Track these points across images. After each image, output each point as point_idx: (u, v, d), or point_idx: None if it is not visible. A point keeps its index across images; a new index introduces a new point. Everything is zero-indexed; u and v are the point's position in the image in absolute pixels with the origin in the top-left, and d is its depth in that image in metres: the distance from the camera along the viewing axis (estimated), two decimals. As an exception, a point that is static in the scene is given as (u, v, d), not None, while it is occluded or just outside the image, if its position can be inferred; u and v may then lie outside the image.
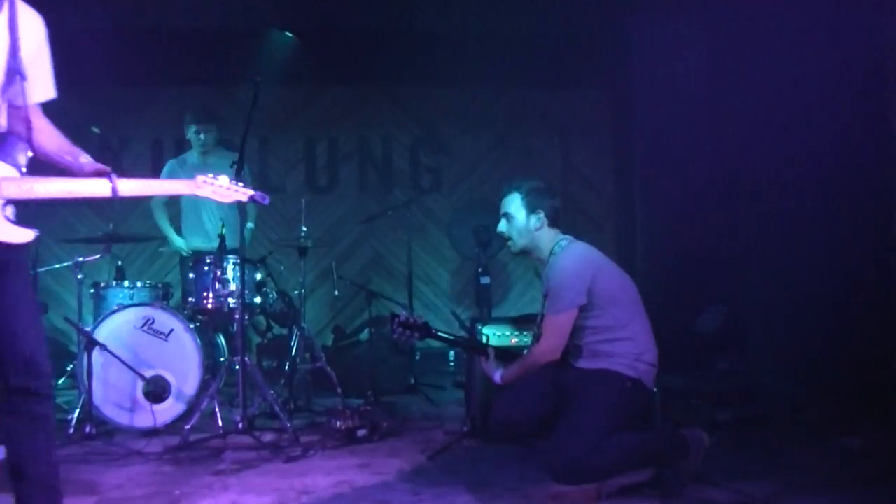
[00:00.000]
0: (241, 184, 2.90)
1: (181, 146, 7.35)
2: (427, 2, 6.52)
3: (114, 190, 2.55)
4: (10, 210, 2.48)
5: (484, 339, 4.46)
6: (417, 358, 6.29)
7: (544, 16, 6.69)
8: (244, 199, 2.88)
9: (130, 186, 2.62)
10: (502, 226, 3.71)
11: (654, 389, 3.53)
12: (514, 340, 4.49)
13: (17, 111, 2.55)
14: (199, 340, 4.76)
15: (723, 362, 5.16)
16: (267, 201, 2.93)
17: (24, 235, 2.51)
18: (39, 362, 2.52)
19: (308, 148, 7.85)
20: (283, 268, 5.75)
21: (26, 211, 2.56)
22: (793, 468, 3.69)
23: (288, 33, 6.67)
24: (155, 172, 6.93)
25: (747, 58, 5.82)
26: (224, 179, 2.83)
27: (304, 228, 5.25)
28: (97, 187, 2.57)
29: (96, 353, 4.46)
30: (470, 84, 7.63)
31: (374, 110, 7.86)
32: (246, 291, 4.71)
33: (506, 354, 3.72)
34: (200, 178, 2.81)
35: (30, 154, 2.55)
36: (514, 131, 8.00)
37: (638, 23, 6.77)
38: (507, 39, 7.01)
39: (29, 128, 2.53)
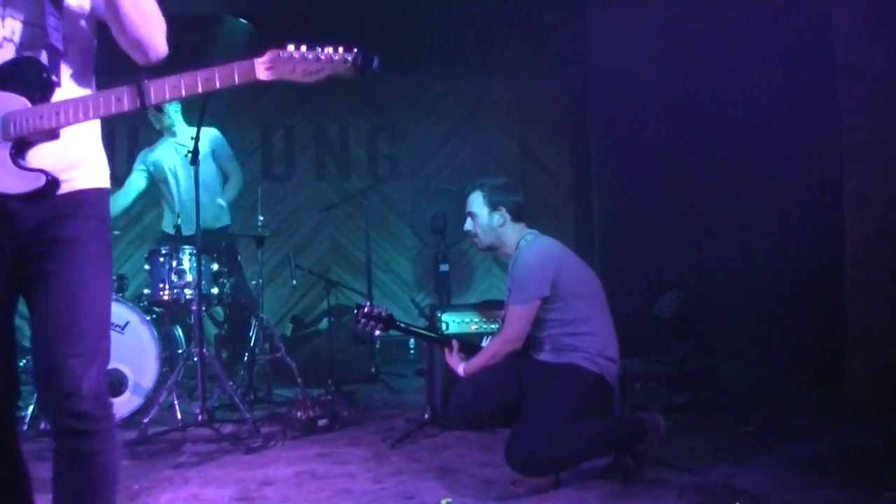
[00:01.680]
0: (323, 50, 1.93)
1: (134, 137, 7.26)
2: (384, -11, 6.49)
3: (144, 96, 1.90)
4: (26, 152, 1.94)
5: (443, 326, 4.48)
6: (378, 347, 6.28)
7: (502, 3, 6.70)
8: (344, 67, 1.91)
9: (162, 90, 1.92)
10: (468, 224, 3.73)
11: (615, 385, 3.57)
12: (474, 327, 4.51)
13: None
14: (155, 332, 4.70)
15: (679, 346, 5.23)
16: (376, 62, 1.95)
17: (30, 182, 1.92)
18: (73, 369, 1.89)
19: (264, 136, 7.77)
20: (240, 258, 5.70)
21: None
22: (748, 449, 3.77)
23: (242, 20, 6.58)
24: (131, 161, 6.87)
25: (702, 45, 5.89)
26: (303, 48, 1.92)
27: (261, 218, 5.20)
28: (121, 99, 1.93)
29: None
30: (427, 72, 7.62)
31: (330, 98, 7.80)
32: (203, 282, 4.66)
33: (469, 346, 3.73)
34: (274, 52, 1.94)
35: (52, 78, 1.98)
36: (471, 119, 8.01)
37: (594, 10, 6.81)
38: (464, 27, 7.00)
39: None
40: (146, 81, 1.91)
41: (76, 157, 2.04)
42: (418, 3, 6.67)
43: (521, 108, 8.06)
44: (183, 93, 1.90)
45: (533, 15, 6.93)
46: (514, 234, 3.66)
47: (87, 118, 1.94)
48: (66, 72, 2.02)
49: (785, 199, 5.18)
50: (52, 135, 1.94)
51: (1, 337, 2.02)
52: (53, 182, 1.93)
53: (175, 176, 5.52)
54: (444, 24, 6.93)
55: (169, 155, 5.51)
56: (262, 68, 1.89)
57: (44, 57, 1.96)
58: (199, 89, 1.89)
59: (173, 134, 5.52)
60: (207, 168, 5.41)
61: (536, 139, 8.08)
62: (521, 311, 3.47)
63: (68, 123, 1.93)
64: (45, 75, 1.95)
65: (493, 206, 3.65)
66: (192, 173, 4.50)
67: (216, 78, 1.89)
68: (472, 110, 8.01)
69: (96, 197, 2.08)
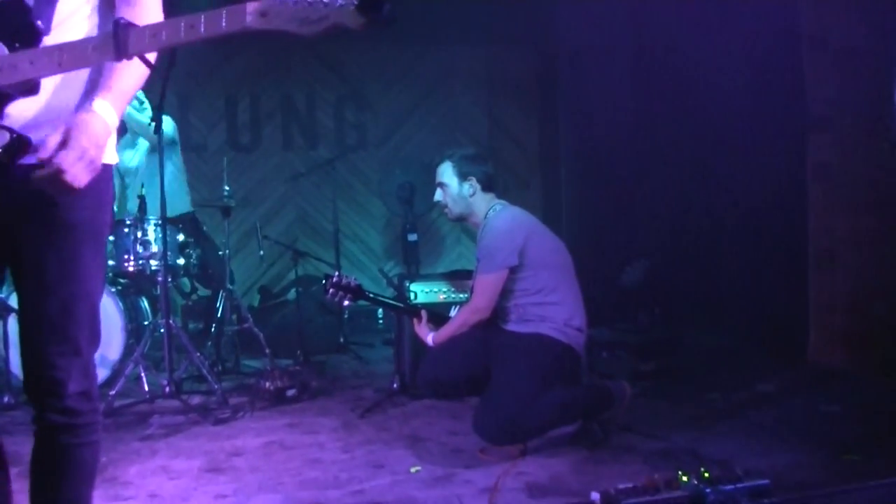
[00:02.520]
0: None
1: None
2: (349, -45, 6.38)
3: (121, 47, 1.58)
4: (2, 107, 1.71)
5: (412, 296, 4.49)
6: (346, 317, 6.27)
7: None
8: (349, 13, 1.54)
9: (142, 39, 1.59)
10: (438, 195, 3.73)
11: (583, 355, 3.61)
12: (443, 297, 4.53)
13: None
14: (121, 304, 4.66)
15: (645, 315, 5.29)
16: (387, 7, 1.59)
17: None
18: (59, 370, 1.79)
19: (229, 105, 7.66)
20: (205, 228, 5.64)
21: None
22: (713, 415, 3.83)
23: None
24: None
25: (671, 15, 5.89)
26: None
27: (227, 188, 5.14)
28: (97, 48, 1.61)
29: (12, 321, 4.31)
30: (395, 40, 7.54)
31: (297, 67, 7.71)
32: (169, 253, 4.61)
33: (438, 317, 3.74)
34: None
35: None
36: (439, 88, 7.97)
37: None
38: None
39: None
40: (125, 27, 1.59)
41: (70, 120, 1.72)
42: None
43: (490, 78, 8.03)
44: (164, 41, 1.60)
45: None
46: (483, 204, 3.66)
47: (62, 69, 1.65)
48: (60, 17, 1.76)
49: (751, 170, 5.23)
50: (30, 88, 1.70)
51: None
52: (20, 141, 1.70)
53: (137, 169, 5.41)
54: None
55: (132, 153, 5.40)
56: (255, 15, 1.54)
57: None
58: (182, 37, 1.58)
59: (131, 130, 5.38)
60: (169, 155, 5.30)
61: (505, 109, 8.06)
62: (489, 280, 3.48)
63: (41, 74, 1.66)
64: (28, 19, 1.70)
65: (464, 177, 3.66)
66: (156, 143, 4.43)
67: (201, 24, 1.57)
68: (440, 79, 7.96)
69: (98, 175, 1.78)
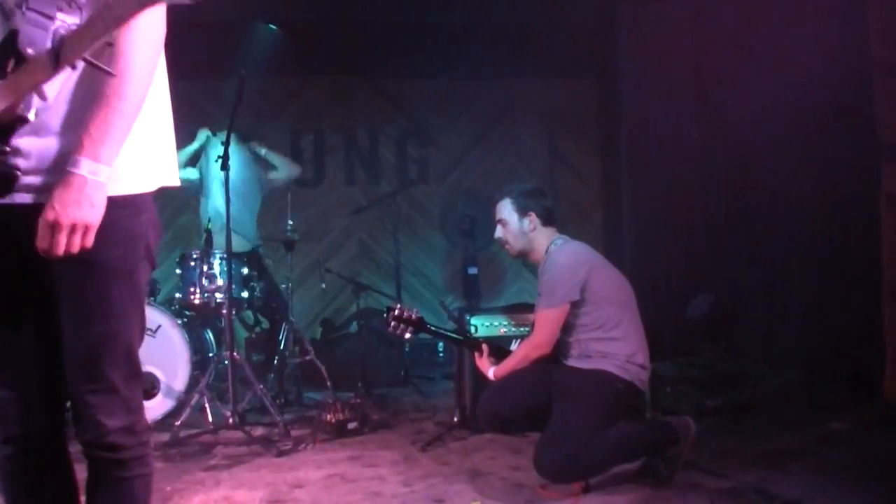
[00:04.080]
0: None
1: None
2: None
3: (59, 57, 1.46)
4: (5, 141, 1.66)
5: (472, 330, 4.47)
6: (407, 350, 6.28)
7: (531, 5, 6.67)
8: None
9: (80, 40, 1.44)
10: (498, 232, 3.73)
11: (646, 391, 3.54)
12: (503, 330, 4.50)
13: None
14: (186, 336, 4.74)
15: (711, 349, 5.17)
16: None
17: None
18: (96, 409, 1.77)
19: (294, 141, 7.81)
20: (269, 262, 5.73)
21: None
22: (782, 453, 3.71)
23: (272, 26, 6.62)
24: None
25: (734, 44, 5.82)
26: None
27: (291, 222, 5.23)
28: (35, 67, 1.51)
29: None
30: (456, 74, 7.62)
31: (359, 102, 7.83)
32: (233, 286, 4.69)
33: (499, 350, 3.72)
34: None
35: None
36: (500, 121, 8.00)
37: (624, 10, 6.76)
38: (493, 29, 6.99)
39: None
40: (61, 36, 1.49)
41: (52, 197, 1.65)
42: (447, 5, 6.67)
43: (551, 111, 8.03)
44: (100, 37, 1.44)
45: (563, 16, 6.90)
46: (544, 239, 3.64)
47: (10, 98, 1.56)
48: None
49: (820, 200, 5.10)
50: (21, 120, 1.61)
51: (32, 346, 1.83)
52: (6, 176, 1.64)
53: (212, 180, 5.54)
54: (472, 26, 6.92)
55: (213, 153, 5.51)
56: None
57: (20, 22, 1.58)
58: (108, 27, 1.42)
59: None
60: (242, 178, 5.44)
61: (566, 142, 8.04)
62: (550, 315, 3.45)
63: (8, 105, 1.56)
64: (13, 45, 1.57)
65: (523, 212, 3.65)
66: (223, 179, 4.53)
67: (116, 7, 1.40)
68: (501, 113, 8.00)
69: (124, 206, 1.76)
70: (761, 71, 5.54)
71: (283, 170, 5.82)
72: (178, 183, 1.93)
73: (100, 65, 1.51)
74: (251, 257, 5.25)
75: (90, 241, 1.65)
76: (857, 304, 4.77)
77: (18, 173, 1.66)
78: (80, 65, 1.52)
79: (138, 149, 1.81)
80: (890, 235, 4.42)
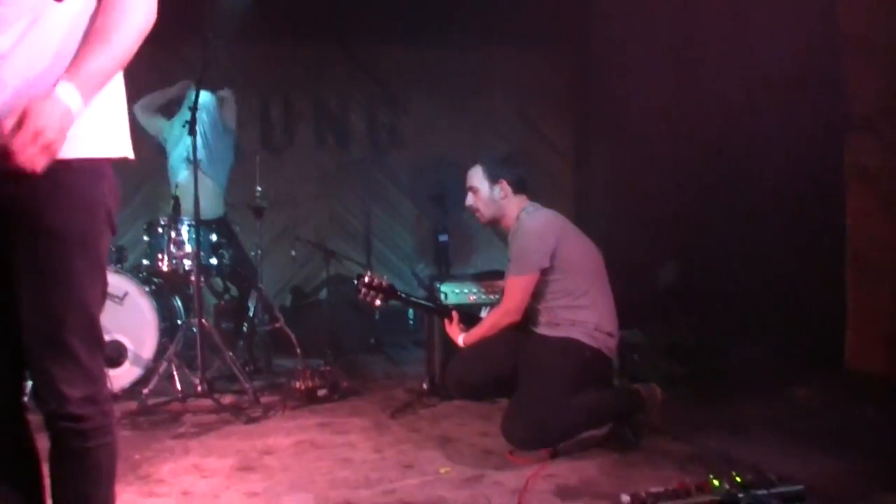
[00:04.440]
0: None
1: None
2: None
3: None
4: None
5: (442, 297, 4.49)
6: (377, 317, 6.29)
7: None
8: None
9: None
10: (469, 199, 3.72)
11: (614, 359, 3.57)
12: (473, 298, 4.52)
13: None
14: (154, 303, 4.70)
15: (679, 318, 5.23)
16: None
17: None
18: (58, 380, 1.74)
19: (263, 107, 7.71)
20: (238, 228, 5.68)
21: None
22: (747, 420, 3.78)
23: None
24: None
25: (709, 18, 5.82)
26: None
27: (260, 189, 5.18)
28: None
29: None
30: (428, 42, 7.54)
31: (330, 69, 7.74)
32: (202, 253, 4.65)
33: (469, 318, 3.73)
34: None
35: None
36: (472, 89, 7.94)
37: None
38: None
39: None
40: None
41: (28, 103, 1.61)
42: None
43: (523, 80, 7.99)
44: None
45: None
46: (515, 207, 3.64)
47: None
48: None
49: (788, 170, 5.15)
50: None
51: None
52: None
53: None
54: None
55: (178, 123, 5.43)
56: None
57: None
58: None
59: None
60: (209, 139, 5.36)
61: (538, 111, 8.02)
62: (520, 282, 3.46)
63: None
64: None
65: (494, 179, 3.64)
66: (189, 144, 4.47)
67: None
68: (473, 81, 7.94)
69: (85, 171, 1.74)
70: (734, 43, 5.56)
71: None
72: (132, 155, 1.89)
73: None
74: (220, 224, 5.20)
75: (41, 164, 1.57)
76: (821, 275, 4.84)
77: None
78: (36, 16, 1.56)
79: (99, 113, 1.79)
80: (854, 207, 4.48)
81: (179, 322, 5.10)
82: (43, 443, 1.90)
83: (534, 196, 3.74)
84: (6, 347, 1.79)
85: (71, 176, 1.70)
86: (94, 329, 1.81)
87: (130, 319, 4.60)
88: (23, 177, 1.56)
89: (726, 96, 5.68)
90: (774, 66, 5.14)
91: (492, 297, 4.42)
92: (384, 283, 3.82)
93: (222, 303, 5.83)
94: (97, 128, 1.79)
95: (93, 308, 1.81)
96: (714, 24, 5.77)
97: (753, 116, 5.40)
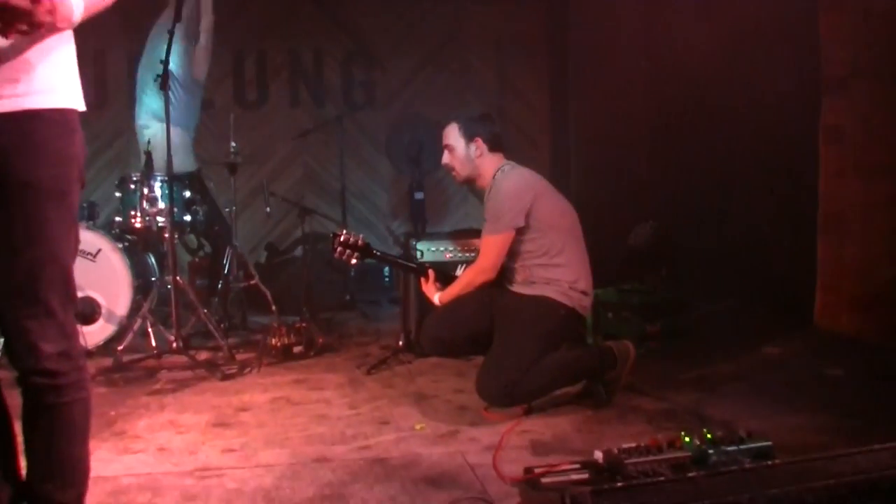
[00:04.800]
0: None
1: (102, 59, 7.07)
2: None
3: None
4: None
5: (418, 255, 4.49)
6: (353, 274, 6.28)
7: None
8: None
9: None
10: (445, 157, 3.70)
11: (587, 317, 3.60)
12: (449, 256, 4.53)
13: None
14: (128, 260, 4.67)
15: (652, 276, 5.27)
16: None
17: None
18: (33, 334, 1.76)
19: (236, 61, 7.59)
20: (212, 184, 5.62)
21: None
22: (717, 377, 3.84)
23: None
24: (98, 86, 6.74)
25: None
26: None
27: (234, 144, 5.12)
28: None
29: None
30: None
31: (304, 23, 7.62)
32: (175, 209, 4.60)
33: (444, 276, 3.74)
34: None
35: None
36: (448, 46, 7.86)
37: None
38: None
39: None
40: None
41: (17, 65, 1.71)
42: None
43: (500, 37, 7.92)
44: None
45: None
46: (490, 165, 3.63)
47: None
48: None
49: (762, 132, 5.18)
50: None
51: None
52: None
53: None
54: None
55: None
56: None
57: None
58: None
59: None
60: (179, 92, 5.27)
61: (515, 68, 7.96)
62: (495, 240, 3.47)
63: None
64: None
65: (470, 138, 3.62)
66: (160, 98, 4.40)
67: None
68: (449, 38, 7.86)
69: (53, 122, 1.76)
70: (710, 3, 5.54)
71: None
72: (83, 108, 1.88)
73: None
74: (193, 180, 5.14)
75: (42, 18, 1.62)
76: (793, 236, 4.90)
77: None
78: None
79: (66, 66, 1.81)
80: (827, 167, 4.52)
81: (153, 279, 5.07)
82: (14, 400, 1.90)
83: (510, 154, 3.73)
84: None
85: (43, 128, 1.72)
86: (68, 283, 1.82)
87: (104, 276, 4.57)
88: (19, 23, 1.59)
89: (702, 55, 5.68)
90: (751, 24, 5.14)
91: (467, 255, 4.43)
92: (360, 241, 3.81)
93: (196, 259, 5.79)
94: (65, 80, 1.80)
95: (67, 262, 1.82)
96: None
97: (730, 76, 5.41)
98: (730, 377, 3.84)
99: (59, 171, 1.77)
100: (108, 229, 4.90)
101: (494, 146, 3.64)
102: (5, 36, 1.63)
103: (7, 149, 1.69)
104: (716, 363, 4.08)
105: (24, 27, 1.59)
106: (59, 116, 1.77)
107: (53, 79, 1.77)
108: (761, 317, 4.92)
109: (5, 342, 1.80)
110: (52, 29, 1.67)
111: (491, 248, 3.48)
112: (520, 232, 3.44)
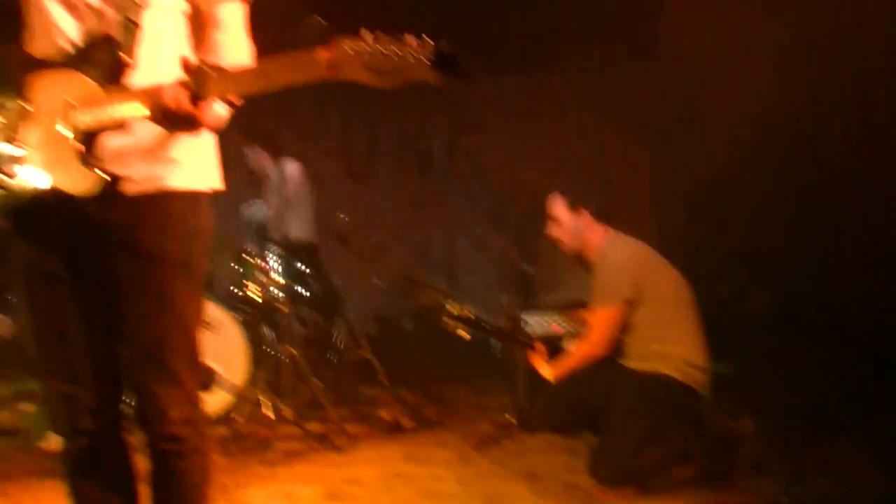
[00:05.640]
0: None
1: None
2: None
3: (194, 94, 1.63)
4: (92, 143, 1.71)
5: (526, 327, 4.46)
6: (462, 347, 6.27)
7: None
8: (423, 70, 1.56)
9: (221, 85, 1.65)
10: (552, 229, 3.70)
11: (704, 393, 3.48)
12: (559, 329, 4.47)
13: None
14: (243, 330, 4.81)
15: (771, 346, 5.07)
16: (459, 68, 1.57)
17: (89, 181, 1.69)
18: (160, 400, 1.83)
19: (344, 133, 7.81)
20: (324, 257, 5.76)
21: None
22: (850, 455, 3.61)
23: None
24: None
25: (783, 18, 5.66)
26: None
27: (343, 216, 5.25)
28: (176, 93, 1.61)
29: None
30: (511, 68, 7.54)
31: (413, 95, 7.77)
32: (289, 281, 4.73)
33: (554, 349, 3.71)
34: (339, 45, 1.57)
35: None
36: (556, 116, 7.90)
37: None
38: (544, 19, 6.90)
39: None
40: (198, 72, 1.62)
41: (159, 151, 1.82)
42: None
43: (606, 107, 7.92)
44: (237, 90, 1.66)
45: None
46: (598, 236, 3.61)
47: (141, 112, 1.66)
48: (148, 48, 1.78)
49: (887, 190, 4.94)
50: (120, 125, 1.72)
51: (101, 331, 1.88)
52: (114, 183, 1.74)
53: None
54: (521, 18, 6.85)
55: None
56: (325, 64, 1.54)
57: (118, 32, 1.73)
58: (256, 86, 1.61)
59: None
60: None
61: (620, 138, 7.93)
62: (606, 314, 3.42)
63: (127, 117, 1.68)
64: (115, 54, 1.71)
65: (576, 209, 3.62)
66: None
67: (274, 73, 1.59)
68: (556, 108, 7.91)
69: (186, 201, 1.87)
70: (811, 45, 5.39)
71: None
72: (221, 186, 1.99)
73: (232, 100, 1.73)
74: (307, 252, 5.28)
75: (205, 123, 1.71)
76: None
77: (110, 176, 1.73)
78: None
79: (206, 147, 1.94)
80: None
81: (267, 349, 5.19)
82: (142, 463, 1.96)
83: (617, 224, 3.69)
84: (108, 365, 1.89)
85: (178, 206, 1.85)
86: (194, 352, 1.91)
87: (220, 346, 4.71)
88: (128, 203, 1.74)
89: (816, 112, 5.50)
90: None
91: (577, 327, 4.36)
92: (468, 313, 3.82)
93: (309, 331, 5.91)
94: (202, 162, 1.93)
95: (193, 331, 1.91)
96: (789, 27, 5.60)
97: (842, 131, 5.22)
98: (864, 457, 3.60)
99: (190, 246, 1.88)
100: (225, 299, 5.07)
101: (601, 217, 3.62)
102: (170, 133, 1.76)
103: (143, 225, 1.81)
104: (840, 441, 3.85)
105: (187, 129, 1.70)
106: (193, 196, 1.89)
107: (191, 161, 1.88)
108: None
109: (135, 408, 1.88)
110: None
111: (602, 322, 3.44)
112: (630, 305, 3.38)
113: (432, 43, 1.48)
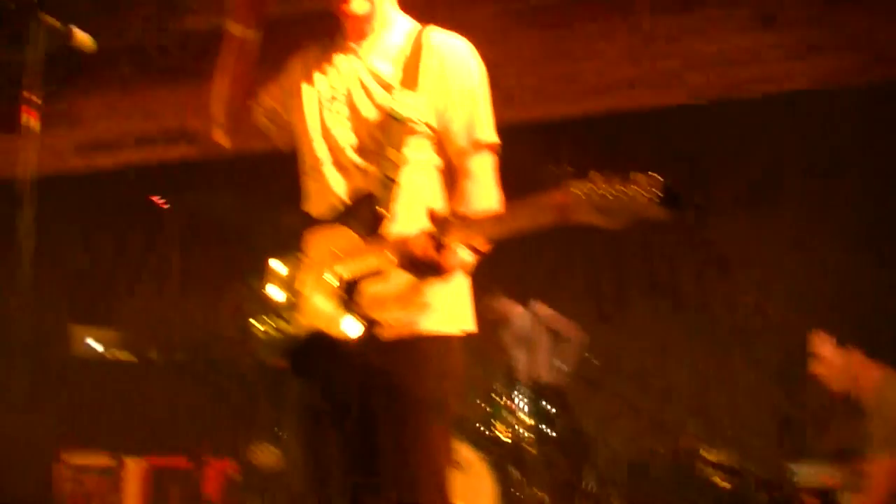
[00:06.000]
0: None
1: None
2: None
3: (438, 242, 1.78)
4: (352, 290, 1.88)
5: (794, 478, 4.10)
6: (720, 496, 5.84)
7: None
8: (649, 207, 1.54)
9: (457, 234, 1.79)
10: (815, 367, 3.47)
11: None
12: (831, 481, 4.07)
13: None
14: (492, 471, 4.79)
15: None
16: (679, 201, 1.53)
17: (350, 328, 1.85)
18: None
19: (592, 276, 7.82)
20: (572, 398, 5.68)
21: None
22: None
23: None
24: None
25: None
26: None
27: (591, 358, 5.19)
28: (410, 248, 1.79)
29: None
30: (755, 203, 7.30)
31: (658, 235, 7.72)
32: (536, 421, 4.70)
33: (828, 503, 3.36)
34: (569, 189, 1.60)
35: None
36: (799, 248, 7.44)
37: None
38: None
39: None
40: (441, 221, 1.78)
41: (413, 296, 1.94)
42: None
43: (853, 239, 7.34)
44: (480, 236, 1.78)
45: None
46: (872, 376, 3.31)
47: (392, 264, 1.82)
48: (402, 203, 1.95)
49: None
50: (377, 273, 1.86)
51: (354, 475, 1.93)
52: (372, 327, 1.85)
53: None
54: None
55: None
56: (557, 208, 1.60)
57: (378, 188, 1.92)
58: (493, 231, 1.75)
59: None
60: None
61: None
62: (890, 465, 3.06)
63: (383, 267, 1.84)
64: (373, 208, 1.90)
65: (842, 344, 3.35)
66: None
67: (509, 219, 1.72)
68: (800, 242, 7.43)
69: (438, 344, 1.97)
70: None
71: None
72: (475, 329, 2.07)
73: (476, 247, 1.82)
74: (554, 392, 5.25)
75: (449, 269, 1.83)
76: None
77: (368, 321, 1.86)
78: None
79: (459, 291, 2.03)
80: None
81: (515, 492, 5.13)
82: None
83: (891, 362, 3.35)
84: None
85: (433, 349, 1.94)
86: (445, 492, 1.94)
87: (469, 486, 4.71)
88: (384, 346, 1.84)
89: None
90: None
91: (855, 480, 3.94)
92: (727, 462, 3.59)
93: (556, 474, 5.80)
94: (455, 306, 2.02)
95: (444, 471, 1.95)
96: None
97: None
98: None
99: (442, 386, 1.96)
100: (474, 439, 5.11)
101: (875, 355, 3.31)
102: (419, 279, 1.86)
103: (398, 367, 1.91)
104: None
105: (433, 275, 1.81)
106: (445, 339, 1.98)
107: (444, 305, 1.97)
108: None
109: None
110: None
111: (886, 474, 3.08)
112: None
113: (660, 179, 1.50)
